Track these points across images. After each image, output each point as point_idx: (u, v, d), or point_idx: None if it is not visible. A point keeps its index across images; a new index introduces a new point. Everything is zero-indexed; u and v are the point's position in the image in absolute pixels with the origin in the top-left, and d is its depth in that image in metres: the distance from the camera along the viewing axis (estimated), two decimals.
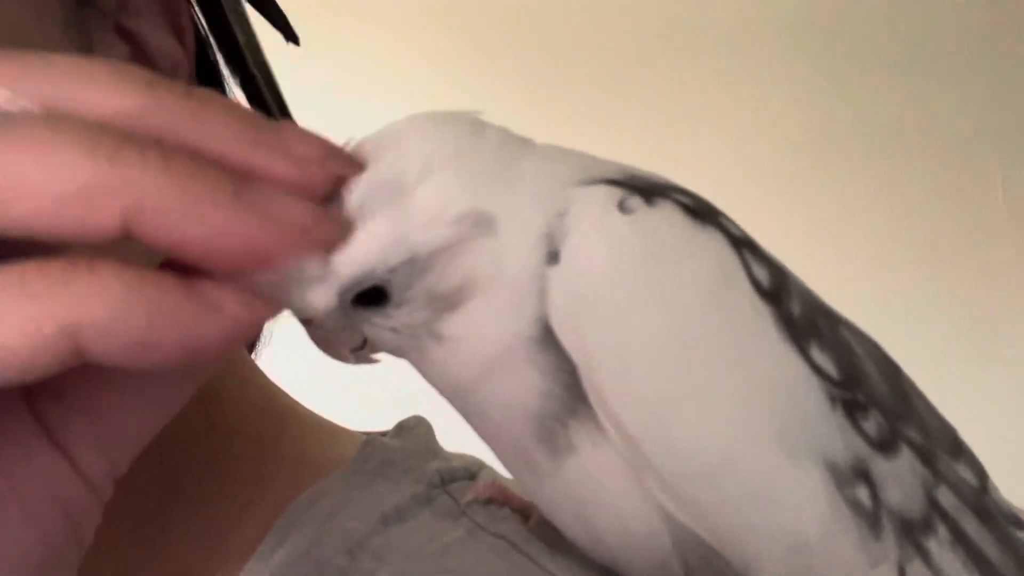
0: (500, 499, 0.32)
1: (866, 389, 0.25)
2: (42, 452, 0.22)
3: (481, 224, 0.24)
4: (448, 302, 0.24)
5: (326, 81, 1.42)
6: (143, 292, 0.19)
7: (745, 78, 1.51)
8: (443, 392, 0.26)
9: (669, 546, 0.24)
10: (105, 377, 0.22)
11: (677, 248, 0.24)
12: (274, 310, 0.21)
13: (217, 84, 0.37)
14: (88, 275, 0.18)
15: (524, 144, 0.25)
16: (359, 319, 0.25)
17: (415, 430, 0.37)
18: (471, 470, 0.35)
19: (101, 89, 0.20)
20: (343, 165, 0.22)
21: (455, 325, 0.24)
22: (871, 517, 0.24)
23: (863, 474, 0.24)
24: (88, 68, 0.20)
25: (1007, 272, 1.50)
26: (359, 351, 0.26)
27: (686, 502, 0.24)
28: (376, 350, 0.26)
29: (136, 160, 0.19)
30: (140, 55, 0.33)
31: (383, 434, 0.37)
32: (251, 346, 0.40)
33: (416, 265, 0.24)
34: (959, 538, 0.25)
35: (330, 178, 0.22)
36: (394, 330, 0.25)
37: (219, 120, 0.20)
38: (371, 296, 0.24)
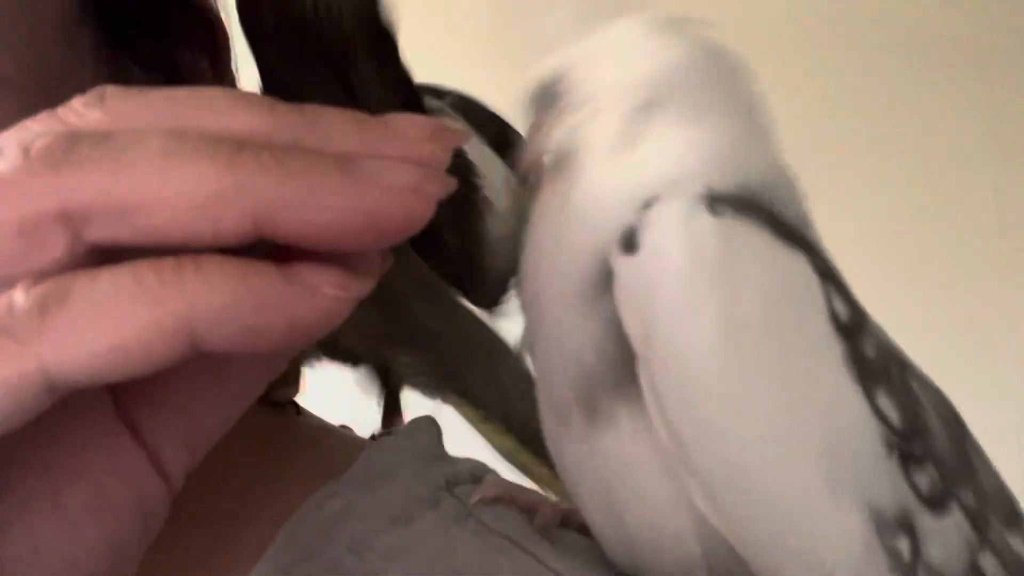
0: (507, 498, 0.32)
1: (927, 444, 0.25)
2: (124, 448, 0.23)
3: (647, 111, 0.26)
4: (566, 151, 0.26)
5: None
6: (248, 282, 0.20)
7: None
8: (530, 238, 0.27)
9: (697, 550, 0.25)
10: (188, 372, 0.22)
11: (756, 258, 0.24)
12: (366, 285, 0.22)
13: None
14: (197, 271, 0.20)
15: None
16: (543, 118, 0.27)
17: (425, 431, 0.37)
18: (476, 474, 0.35)
19: (225, 116, 0.21)
20: (453, 138, 0.23)
21: (573, 178, 0.26)
22: (907, 570, 0.24)
23: (907, 526, 0.24)
24: (208, 96, 0.21)
25: (999, 280, 1.50)
26: (536, 166, 0.27)
27: (723, 511, 0.24)
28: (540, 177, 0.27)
29: (253, 164, 0.20)
30: (174, 80, 0.34)
31: (389, 433, 0.37)
32: None
33: (554, 98, 0.27)
34: None
35: (444, 150, 0.22)
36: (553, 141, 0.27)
37: (334, 126, 0.21)
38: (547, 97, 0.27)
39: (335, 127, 0.22)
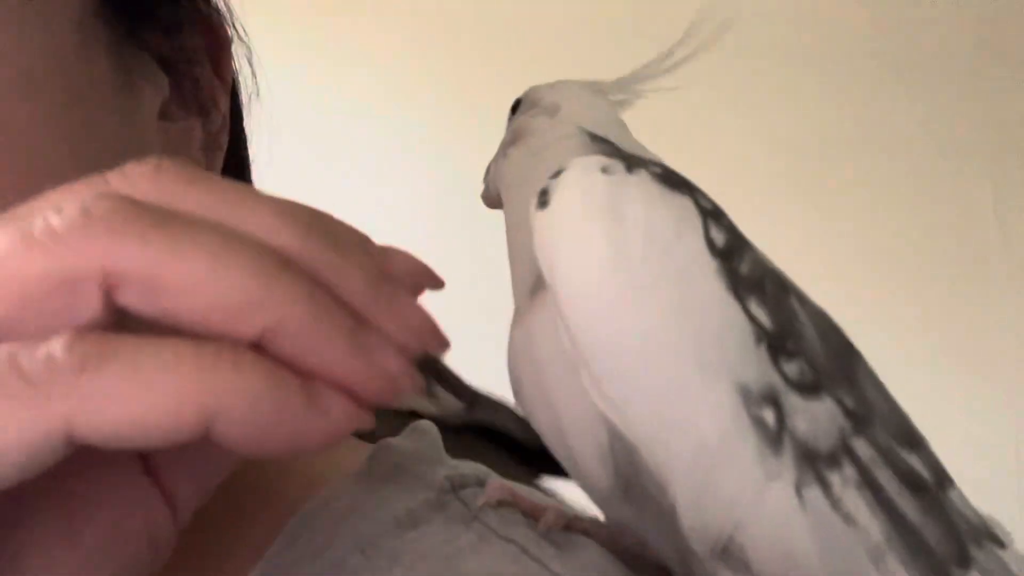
0: (512, 502, 0.33)
1: (798, 345, 0.30)
2: (139, 483, 0.24)
3: (553, 109, 0.36)
4: (517, 136, 0.36)
5: (326, 81, 1.43)
6: (274, 392, 0.21)
7: (735, 90, 1.52)
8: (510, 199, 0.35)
9: (604, 436, 0.29)
10: None
11: (640, 199, 0.30)
12: (368, 423, 0.23)
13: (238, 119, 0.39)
14: (234, 367, 0.21)
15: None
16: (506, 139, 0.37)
17: (427, 435, 0.37)
18: (480, 477, 0.35)
19: (264, 225, 0.22)
20: (437, 341, 0.25)
21: (511, 150, 0.36)
22: (773, 436, 0.28)
23: (772, 401, 0.28)
24: (255, 201, 0.22)
25: (997, 289, 1.51)
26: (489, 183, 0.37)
27: (613, 400, 0.29)
28: (492, 191, 0.37)
29: (288, 286, 0.22)
30: (180, 91, 0.35)
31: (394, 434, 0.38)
32: None
33: (530, 103, 0.37)
34: (870, 485, 0.29)
35: (421, 344, 0.24)
36: (504, 152, 0.36)
37: (353, 275, 0.23)
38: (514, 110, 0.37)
39: (355, 277, 0.23)
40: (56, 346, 0.20)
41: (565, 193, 0.30)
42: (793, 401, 0.28)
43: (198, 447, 0.23)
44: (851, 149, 1.52)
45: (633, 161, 0.31)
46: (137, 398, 0.20)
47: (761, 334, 0.29)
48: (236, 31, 0.38)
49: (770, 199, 1.49)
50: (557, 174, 0.31)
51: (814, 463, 0.28)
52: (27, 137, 0.30)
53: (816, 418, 0.28)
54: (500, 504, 0.33)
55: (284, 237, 0.22)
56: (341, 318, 0.22)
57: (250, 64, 0.40)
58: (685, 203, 0.30)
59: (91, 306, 0.21)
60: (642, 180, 0.30)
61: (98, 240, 0.20)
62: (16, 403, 0.19)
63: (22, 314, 0.21)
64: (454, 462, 0.36)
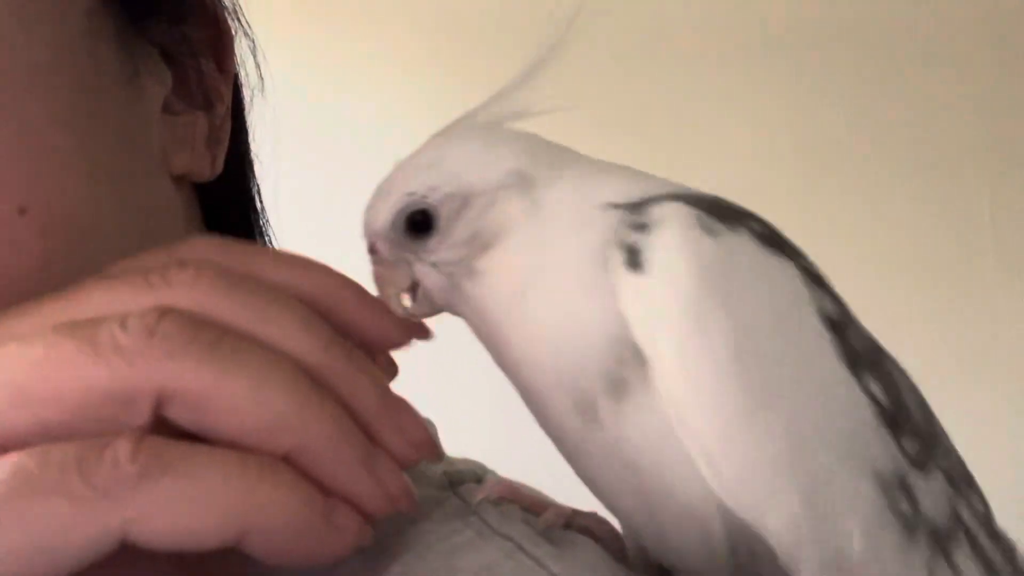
0: (511, 498, 0.33)
1: (907, 416, 0.28)
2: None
3: (520, 180, 0.29)
4: (483, 241, 0.29)
5: (326, 81, 1.42)
6: (304, 510, 0.24)
7: (733, 92, 1.52)
8: (485, 333, 0.30)
9: (719, 528, 0.27)
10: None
11: (753, 272, 0.27)
12: (368, 538, 0.26)
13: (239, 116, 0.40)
14: (273, 486, 0.23)
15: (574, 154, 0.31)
16: (408, 249, 0.30)
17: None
18: (477, 473, 0.35)
19: (289, 337, 0.25)
20: (433, 453, 0.28)
21: (489, 261, 0.29)
22: (910, 522, 0.27)
23: (903, 485, 0.27)
24: (282, 309, 0.25)
25: (993, 291, 1.51)
26: (411, 297, 0.30)
27: (748, 499, 0.27)
28: (426, 306, 0.31)
29: (316, 411, 0.24)
30: (183, 84, 0.35)
31: None
32: None
33: (460, 199, 0.29)
34: (976, 551, 0.28)
35: (420, 456, 0.28)
36: (435, 265, 0.30)
37: (367, 389, 0.26)
38: (419, 224, 0.29)
39: (366, 392, 0.26)
40: (121, 453, 0.22)
41: (670, 257, 0.27)
42: (917, 481, 0.28)
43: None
44: (847, 153, 1.52)
45: (722, 213, 0.28)
46: (190, 509, 0.22)
47: (881, 413, 0.28)
48: (240, 24, 0.38)
49: (766, 202, 1.49)
50: (642, 227, 0.28)
51: (940, 541, 0.28)
52: (35, 128, 0.30)
53: (934, 493, 0.28)
54: (500, 499, 0.33)
55: (303, 349, 0.25)
56: (358, 442, 0.25)
57: (254, 57, 0.40)
58: (790, 269, 0.28)
59: (140, 418, 0.23)
60: (746, 242, 0.28)
61: (160, 361, 0.22)
62: (82, 505, 0.21)
63: (75, 419, 0.22)
64: (450, 459, 0.36)
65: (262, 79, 0.41)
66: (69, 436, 0.22)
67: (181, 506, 0.22)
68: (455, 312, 0.31)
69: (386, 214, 0.29)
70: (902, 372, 0.30)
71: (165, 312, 0.23)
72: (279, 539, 0.23)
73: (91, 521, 0.21)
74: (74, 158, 0.31)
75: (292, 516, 0.23)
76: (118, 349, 0.22)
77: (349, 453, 0.25)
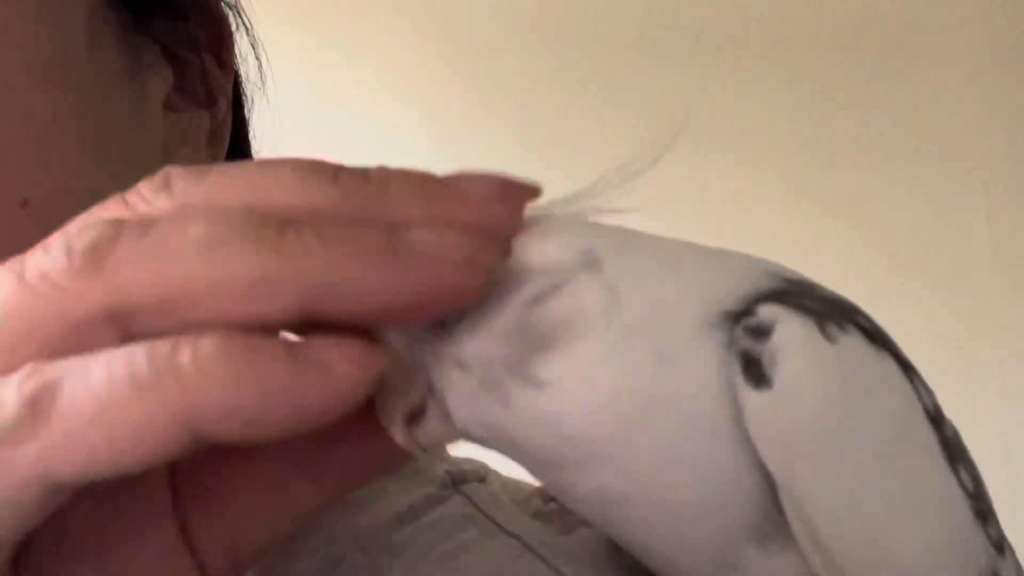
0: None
1: (984, 498, 0.27)
2: (174, 548, 0.23)
3: (587, 258, 0.22)
4: (539, 340, 0.22)
5: (326, 82, 1.42)
6: (251, 370, 0.19)
7: (731, 92, 1.52)
8: (536, 454, 0.23)
9: None
10: (244, 488, 0.23)
11: (872, 380, 0.25)
12: (384, 361, 0.20)
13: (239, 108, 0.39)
14: (194, 360, 0.18)
15: (641, 232, 0.25)
16: (425, 340, 0.22)
17: None
18: (480, 472, 0.35)
19: (291, 191, 0.20)
20: (524, 193, 0.22)
21: (554, 369, 0.22)
22: None
23: None
24: (273, 173, 0.20)
25: (989, 299, 1.51)
26: (412, 424, 0.23)
27: None
28: (430, 433, 0.23)
29: (297, 248, 0.19)
30: (185, 81, 0.35)
31: None
32: None
33: (500, 280, 0.21)
34: None
35: (515, 209, 0.21)
36: (462, 366, 0.22)
37: (399, 194, 0.21)
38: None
39: (399, 195, 0.21)
40: (7, 388, 0.19)
41: (793, 368, 0.23)
42: (1002, 569, 0.27)
43: (236, 522, 0.23)
44: (843, 154, 1.52)
45: (828, 308, 0.25)
46: (98, 426, 0.18)
47: (973, 505, 0.26)
48: (241, 20, 0.38)
49: (763, 203, 1.50)
50: (760, 332, 0.23)
51: None
52: (39, 124, 0.30)
53: (1010, 574, 0.27)
54: (550, 502, 0.32)
55: (311, 194, 0.20)
56: (367, 240, 0.20)
57: (255, 54, 0.40)
58: (895, 367, 0.26)
59: (102, 338, 0.19)
60: (860, 345, 0.25)
61: (85, 280, 0.19)
62: None
63: (32, 355, 0.19)
64: (452, 458, 0.36)
65: (263, 76, 0.41)
66: None
67: (87, 428, 0.18)
68: (474, 438, 0.23)
69: None
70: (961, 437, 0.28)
71: (85, 227, 0.20)
72: (238, 418, 0.18)
73: (6, 471, 0.18)
74: (77, 154, 0.31)
75: (239, 385, 0.18)
76: (42, 279, 0.19)
77: (360, 263, 0.19)
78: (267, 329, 0.19)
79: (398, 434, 0.23)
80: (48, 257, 0.20)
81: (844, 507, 0.24)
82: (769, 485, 0.24)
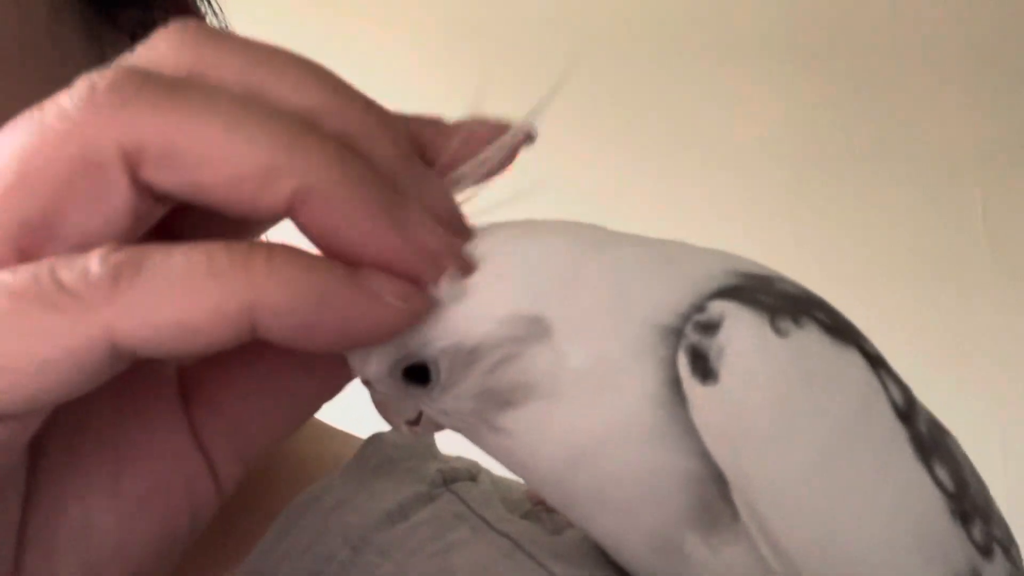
0: (550, 507, 0.32)
1: (970, 498, 0.26)
2: (185, 447, 0.24)
3: (535, 328, 0.24)
4: (501, 399, 0.25)
5: None
6: (314, 277, 0.20)
7: (728, 92, 1.52)
8: (516, 472, 0.27)
9: None
10: (251, 386, 0.25)
11: (827, 373, 0.25)
12: (427, 304, 0.23)
13: None
14: (267, 260, 0.20)
15: (603, 242, 0.26)
16: (411, 394, 0.25)
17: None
18: (471, 471, 0.35)
19: (291, 82, 0.22)
20: (466, 231, 0.24)
21: (515, 421, 0.25)
22: None
23: None
24: (282, 60, 0.22)
25: (985, 296, 1.51)
26: (413, 425, 0.27)
27: None
28: (433, 429, 0.27)
29: (315, 149, 0.21)
30: None
31: None
32: None
33: (461, 354, 0.24)
34: None
35: (455, 234, 0.23)
36: (444, 412, 0.25)
37: (386, 141, 0.22)
38: (418, 374, 0.25)
39: (388, 143, 0.22)
40: (92, 257, 0.20)
41: (740, 362, 0.24)
42: (986, 572, 0.26)
43: (239, 416, 0.25)
44: (841, 155, 1.52)
45: (783, 303, 0.25)
46: (174, 301, 0.20)
47: (952, 505, 0.26)
48: (210, 6, 0.38)
49: (760, 204, 1.50)
50: (708, 328, 0.24)
51: None
52: (2, 119, 0.30)
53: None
54: (539, 504, 0.32)
55: (313, 94, 0.22)
56: (377, 184, 0.21)
57: None
58: (858, 360, 0.25)
59: (120, 189, 0.20)
60: (816, 337, 0.25)
61: (108, 114, 0.20)
62: (59, 314, 0.19)
63: (56, 207, 0.20)
64: (444, 456, 0.36)
65: None
66: (63, 238, 0.21)
67: (164, 301, 0.19)
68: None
69: (378, 366, 0.25)
70: (948, 434, 0.28)
71: (111, 69, 0.21)
72: (296, 315, 0.20)
73: (71, 328, 0.19)
74: None
75: (299, 286, 0.20)
76: (64, 116, 0.20)
77: (365, 197, 0.21)
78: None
79: (402, 431, 0.27)
80: (70, 96, 0.20)
81: (795, 501, 0.24)
82: (713, 477, 0.24)
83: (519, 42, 1.51)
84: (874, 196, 1.52)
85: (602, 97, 1.50)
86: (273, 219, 0.22)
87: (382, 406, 0.27)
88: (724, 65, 1.52)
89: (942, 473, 0.26)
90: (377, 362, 0.25)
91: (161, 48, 0.22)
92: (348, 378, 0.26)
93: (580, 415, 0.25)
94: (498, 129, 0.24)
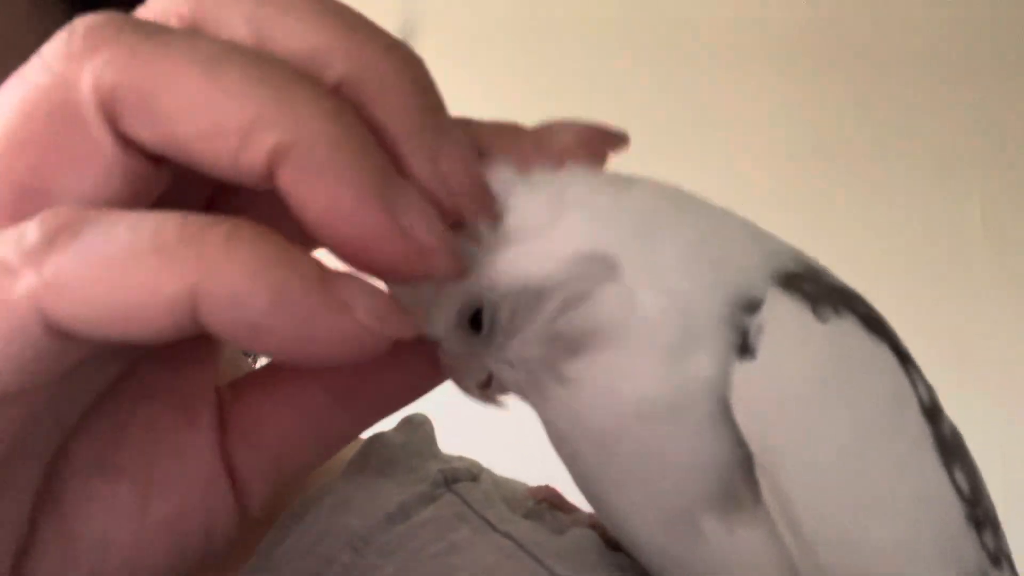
0: (556, 502, 0.32)
1: (983, 506, 0.26)
2: (216, 474, 0.23)
3: (604, 267, 0.24)
4: (570, 345, 0.24)
5: None
6: (274, 272, 0.18)
7: (725, 96, 1.52)
8: (564, 434, 0.26)
9: None
10: (284, 416, 0.24)
11: (862, 362, 0.25)
12: (408, 329, 0.19)
13: None
14: (225, 240, 0.18)
15: (683, 201, 0.26)
16: (478, 347, 0.24)
17: (421, 428, 0.37)
18: (472, 471, 0.35)
19: (298, 20, 0.19)
20: (486, 205, 0.22)
21: (582, 369, 0.24)
22: None
23: None
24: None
25: (984, 294, 1.51)
26: (485, 389, 0.26)
27: None
28: (503, 392, 0.26)
29: (304, 99, 0.18)
30: None
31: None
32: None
33: (527, 296, 0.23)
34: None
35: (467, 210, 0.21)
36: (509, 363, 0.25)
37: (405, 88, 0.20)
38: (484, 322, 0.24)
39: (404, 95, 0.20)
40: (33, 221, 0.18)
41: (778, 340, 0.24)
42: None
43: (277, 451, 0.24)
44: (840, 157, 1.52)
45: (826, 292, 0.25)
46: (107, 276, 0.17)
47: (968, 511, 0.26)
48: None
49: (758, 205, 1.49)
50: (751, 307, 0.24)
51: None
52: None
53: None
54: (542, 502, 0.32)
55: (322, 33, 0.19)
56: (372, 152, 0.19)
57: None
58: (891, 356, 0.25)
59: (103, 143, 0.18)
60: (854, 328, 0.25)
61: (83, 59, 0.18)
62: None
63: (44, 164, 0.19)
64: (445, 456, 0.36)
65: None
66: (58, 202, 0.19)
67: (95, 275, 0.17)
68: (529, 402, 0.26)
69: (443, 320, 0.24)
70: (967, 446, 0.28)
71: (89, 16, 0.19)
72: (242, 316, 0.17)
73: (5, 302, 0.17)
74: None
75: (257, 283, 0.17)
76: (42, 65, 0.19)
77: (353, 163, 0.18)
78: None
79: (476, 397, 0.26)
80: (50, 44, 0.19)
81: (820, 484, 0.24)
82: (739, 460, 0.24)
83: (517, 42, 1.51)
84: (873, 197, 1.52)
85: (606, 97, 1.50)
86: (260, 182, 0.19)
87: (453, 370, 0.25)
88: (724, 67, 1.52)
89: (960, 478, 0.26)
90: (442, 315, 0.24)
91: (164, 1, 0.20)
92: (383, 414, 0.25)
93: (651, 370, 0.24)
94: (583, 133, 0.22)
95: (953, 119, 1.51)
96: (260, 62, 0.19)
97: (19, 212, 0.19)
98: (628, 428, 0.24)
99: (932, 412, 0.26)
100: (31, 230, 0.18)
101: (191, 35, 0.19)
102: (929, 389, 0.26)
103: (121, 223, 0.18)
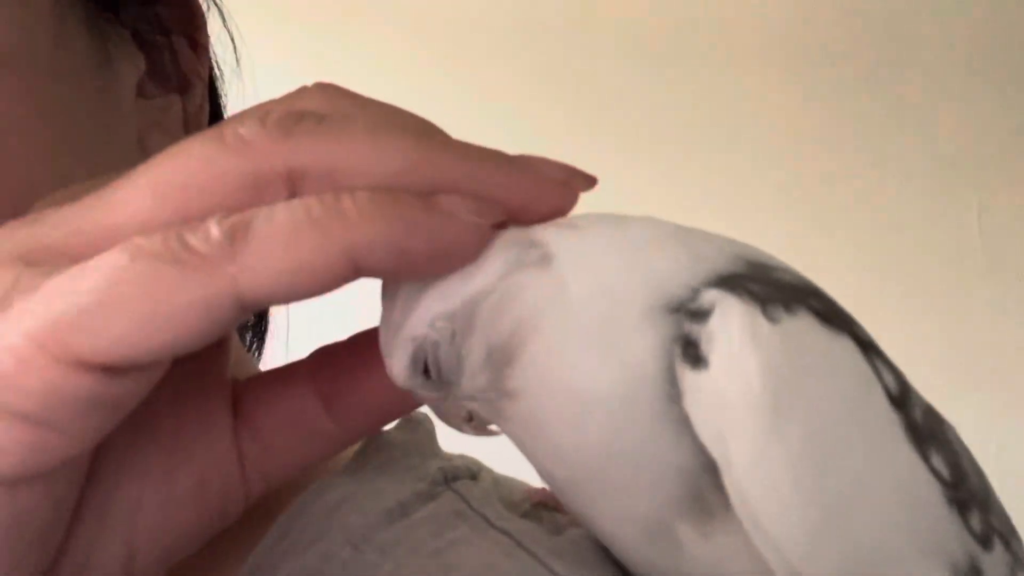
0: (552, 503, 0.32)
1: (968, 487, 0.26)
2: (230, 456, 0.28)
3: (532, 253, 0.25)
4: (504, 353, 0.25)
5: (309, 69, 1.42)
6: (396, 210, 0.24)
7: (723, 99, 1.52)
8: (532, 452, 0.26)
9: None
10: (283, 417, 0.29)
11: (819, 359, 0.25)
12: (499, 212, 0.25)
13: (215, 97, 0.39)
14: (354, 203, 0.23)
15: (614, 217, 0.26)
16: (441, 389, 0.26)
17: (421, 426, 0.37)
18: (472, 469, 0.35)
19: (365, 156, 0.25)
20: (584, 182, 0.27)
21: (520, 374, 0.25)
22: None
23: (976, 571, 0.25)
24: (350, 134, 0.25)
25: (981, 303, 1.51)
26: (471, 423, 0.27)
27: None
28: (488, 422, 0.27)
29: (445, 147, 0.25)
30: (157, 66, 0.34)
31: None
32: (259, 343, 0.41)
33: (464, 314, 0.25)
34: None
35: (575, 194, 0.26)
36: (472, 398, 0.26)
37: (484, 167, 0.25)
38: (430, 369, 0.25)
39: (488, 169, 0.25)
40: (209, 223, 0.23)
41: (729, 348, 0.24)
42: (985, 562, 0.25)
43: (274, 439, 0.28)
44: (837, 160, 1.52)
45: (776, 291, 0.25)
46: (283, 251, 0.22)
47: (948, 493, 0.25)
48: (214, 2, 0.38)
49: (757, 206, 1.50)
50: (699, 315, 0.24)
51: None
52: (6, 116, 0.30)
53: (998, 570, 0.26)
54: (540, 504, 0.32)
55: (390, 161, 0.25)
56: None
57: (230, 35, 0.40)
58: (851, 347, 0.25)
59: (277, 200, 0.24)
60: (809, 324, 0.24)
61: (276, 143, 0.24)
62: (190, 270, 0.22)
63: (217, 210, 0.23)
64: (445, 454, 0.36)
65: (237, 57, 0.41)
66: None
67: (274, 252, 0.22)
68: (501, 429, 0.27)
69: (402, 371, 0.25)
70: (945, 423, 0.27)
71: (273, 109, 0.25)
72: (389, 248, 0.23)
73: (203, 283, 0.22)
74: (45, 143, 0.31)
75: (385, 222, 0.23)
76: (240, 140, 0.24)
77: (483, 166, 0.25)
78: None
79: (468, 432, 0.28)
80: (244, 124, 0.24)
81: (784, 487, 0.24)
82: (704, 466, 0.24)
83: (516, 42, 1.51)
84: (871, 200, 1.52)
85: (605, 99, 1.51)
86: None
87: (437, 410, 0.28)
88: (724, 69, 1.52)
89: (938, 461, 0.25)
90: (399, 368, 0.26)
91: (308, 99, 0.26)
92: (368, 431, 0.30)
93: (581, 355, 0.24)
94: (562, 171, 0.26)
95: (951, 122, 1.52)
96: (405, 124, 0.26)
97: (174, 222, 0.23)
98: (582, 430, 0.25)
99: (900, 399, 0.25)
100: (213, 228, 0.23)
101: (349, 117, 0.26)
102: (896, 375, 0.26)
103: (279, 213, 0.23)
